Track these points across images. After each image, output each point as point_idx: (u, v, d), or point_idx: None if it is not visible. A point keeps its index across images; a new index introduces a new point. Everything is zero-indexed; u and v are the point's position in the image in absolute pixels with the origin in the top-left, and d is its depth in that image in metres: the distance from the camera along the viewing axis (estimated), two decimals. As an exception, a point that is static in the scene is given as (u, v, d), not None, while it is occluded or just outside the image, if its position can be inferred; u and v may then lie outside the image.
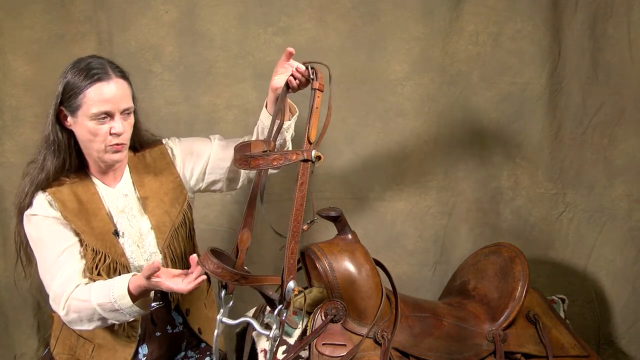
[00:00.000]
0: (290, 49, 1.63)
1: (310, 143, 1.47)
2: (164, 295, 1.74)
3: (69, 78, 1.56)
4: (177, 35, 2.24)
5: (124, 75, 1.61)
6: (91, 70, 1.55)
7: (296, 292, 1.38)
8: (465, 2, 2.22)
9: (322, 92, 1.55)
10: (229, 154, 1.77)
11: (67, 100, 1.56)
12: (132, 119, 1.64)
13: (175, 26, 2.24)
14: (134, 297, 1.50)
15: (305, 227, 1.48)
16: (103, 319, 1.54)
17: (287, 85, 1.64)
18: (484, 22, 2.23)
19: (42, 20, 2.20)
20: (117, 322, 1.57)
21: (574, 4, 2.20)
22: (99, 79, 1.54)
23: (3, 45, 2.20)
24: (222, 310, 1.52)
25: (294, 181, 1.44)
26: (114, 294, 1.50)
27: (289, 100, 1.71)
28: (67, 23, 2.21)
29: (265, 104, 1.74)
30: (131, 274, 1.56)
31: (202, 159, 1.80)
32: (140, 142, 1.76)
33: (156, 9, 2.23)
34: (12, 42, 2.20)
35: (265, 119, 1.73)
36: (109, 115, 1.56)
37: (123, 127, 1.59)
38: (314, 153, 1.45)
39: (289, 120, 1.71)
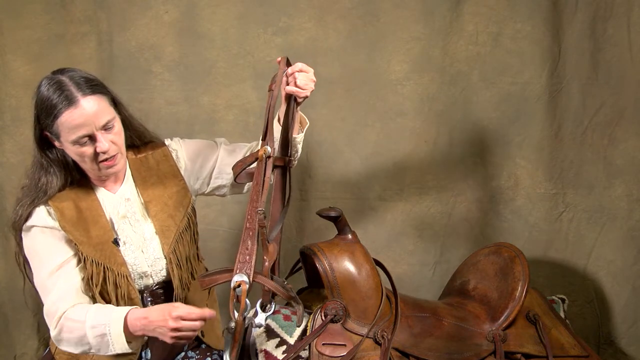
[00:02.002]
0: (278, 59, 1.63)
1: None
2: (168, 299, 1.71)
3: (39, 103, 1.50)
4: (177, 35, 2.24)
5: (93, 89, 1.52)
6: (58, 95, 1.48)
7: (236, 285, 1.36)
8: (465, 2, 2.22)
9: (270, 91, 1.58)
10: (236, 159, 1.73)
11: (46, 128, 1.52)
12: (117, 127, 1.57)
13: (175, 26, 2.24)
14: (127, 329, 1.45)
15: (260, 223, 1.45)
16: (88, 345, 1.49)
17: (292, 97, 1.62)
18: (484, 22, 2.23)
19: (42, 20, 2.20)
20: (98, 352, 1.50)
21: (574, 4, 2.20)
22: (67, 105, 1.47)
23: (3, 45, 2.20)
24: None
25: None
26: (111, 316, 1.46)
27: (300, 113, 1.69)
28: (67, 23, 2.21)
29: (277, 117, 1.71)
30: (134, 307, 1.52)
31: (208, 163, 1.78)
32: (138, 136, 1.71)
33: (156, 9, 2.23)
34: (12, 42, 2.20)
35: (276, 131, 1.68)
36: (89, 136, 1.51)
37: (107, 142, 1.53)
38: (269, 150, 1.49)
39: (298, 133, 1.70)
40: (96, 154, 1.53)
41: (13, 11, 2.18)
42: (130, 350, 1.49)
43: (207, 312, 1.44)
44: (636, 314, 2.29)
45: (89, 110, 1.49)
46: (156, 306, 1.50)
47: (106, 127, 1.53)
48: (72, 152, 1.55)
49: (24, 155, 2.22)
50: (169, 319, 1.42)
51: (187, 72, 2.27)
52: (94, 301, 1.57)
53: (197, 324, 1.44)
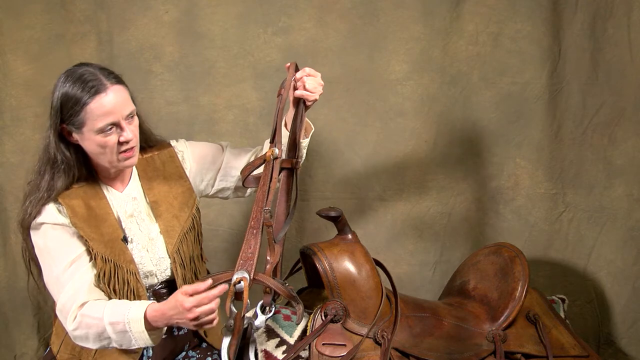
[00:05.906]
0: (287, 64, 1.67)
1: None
2: None
3: (64, 94, 1.51)
4: (177, 35, 2.24)
5: (118, 80, 1.56)
6: (86, 83, 1.50)
7: (237, 282, 1.40)
8: (465, 2, 2.22)
9: (279, 96, 1.63)
10: (241, 163, 1.77)
11: (69, 118, 1.52)
12: (136, 120, 1.61)
13: (175, 26, 2.24)
14: (148, 325, 1.47)
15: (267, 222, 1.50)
16: (109, 339, 1.51)
17: (301, 101, 1.63)
18: (484, 22, 2.23)
19: (42, 20, 2.20)
20: (120, 347, 1.53)
21: (574, 4, 2.20)
22: (97, 92, 1.49)
23: (3, 45, 2.20)
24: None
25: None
26: (129, 315, 1.47)
27: (307, 120, 1.70)
28: (67, 23, 2.21)
29: (284, 122, 1.71)
30: (151, 301, 1.54)
31: (214, 165, 1.80)
32: (146, 140, 1.73)
33: (156, 9, 2.23)
34: (12, 42, 2.20)
35: (282, 136, 1.69)
36: (115, 125, 1.53)
37: (131, 132, 1.56)
38: (276, 152, 1.55)
39: (304, 138, 1.71)
40: (119, 144, 1.55)
41: (13, 11, 2.18)
42: (153, 344, 1.51)
43: (216, 291, 1.40)
44: (636, 314, 2.29)
45: (118, 97, 1.53)
46: (169, 298, 1.46)
47: (129, 117, 1.57)
48: (93, 142, 1.54)
49: (24, 155, 2.22)
50: (185, 311, 1.40)
51: (187, 72, 2.27)
52: (108, 297, 1.57)
53: (213, 306, 1.40)
